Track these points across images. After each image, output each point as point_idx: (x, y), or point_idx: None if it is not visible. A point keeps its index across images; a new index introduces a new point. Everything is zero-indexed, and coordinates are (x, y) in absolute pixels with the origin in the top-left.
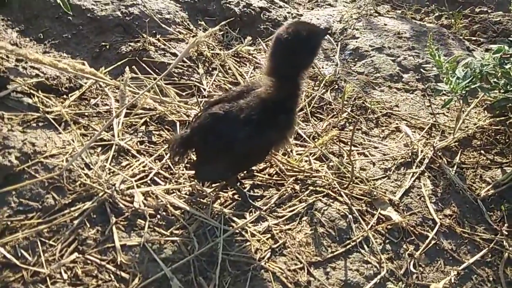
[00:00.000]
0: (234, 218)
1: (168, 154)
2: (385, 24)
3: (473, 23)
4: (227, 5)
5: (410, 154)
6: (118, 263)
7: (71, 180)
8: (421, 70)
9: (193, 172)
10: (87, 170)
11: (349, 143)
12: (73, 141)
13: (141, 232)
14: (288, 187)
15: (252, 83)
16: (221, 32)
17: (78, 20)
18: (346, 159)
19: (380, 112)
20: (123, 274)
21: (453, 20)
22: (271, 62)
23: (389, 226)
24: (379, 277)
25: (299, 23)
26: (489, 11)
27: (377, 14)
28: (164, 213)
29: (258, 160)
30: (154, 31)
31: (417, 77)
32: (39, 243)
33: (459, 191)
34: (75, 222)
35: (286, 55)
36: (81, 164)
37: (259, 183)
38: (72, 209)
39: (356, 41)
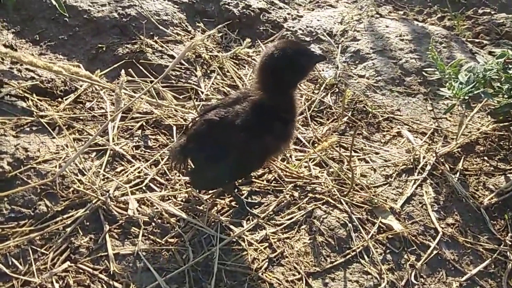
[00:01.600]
0: (231, 226)
1: (169, 163)
2: (387, 26)
3: (476, 24)
4: (226, 6)
5: (412, 160)
6: (111, 272)
7: (64, 186)
8: (423, 73)
9: (188, 179)
10: (80, 176)
11: (349, 148)
12: (66, 146)
13: (135, 240)
14: (287, 194)
15: (249, 89)
16: (220, 34)
17: (75, 22)
18: (346, 165)
19: (382, 116)
20: (116, 284)
21: (455, 22)
22: (258, 78)
23: (390, 236)
24: None
25: (290, 43)
26: (493, 12)
27: (378, 16)
28: (159, 221)
29: (255, 167)
30: (152, 33)
31: (419, 80)
32: (30, 251)
33: (462, 199)
34: (68, 229)
35: (271, 75)
36: (75, 170)
37: (257, 189)
38: (65, 216)
39: (357, 43)
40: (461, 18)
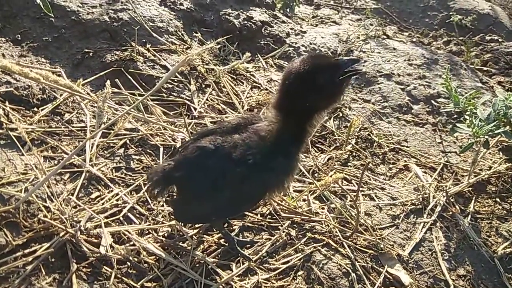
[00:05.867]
0: (218, 270)
1: (147, 187)
2: (394, 49)
3: (484, 52)
4: (226, 16)
5: (420, 199)
6: None
7: (29, 214)
8: (432, 101)
9: (172, 208)
10: (49, 203)
11: (353, 181)
12: (36, 166)
13: (106, 283)
14: (283, 232)
15: (252, 115)
16: (218, 46)
17: (61, 23)
18: (350, 201)
19: (387, 146)
20: None
21: (463, 47)
22: (279, 96)
23: None
24: None
25: (319, 56)
26: (500, 40)
27: (385, 37)
28: (135, 260)
29: (249, 206)
30: (144, 40)
31: (427, 109)
32: None
33: (474, 246)
34: (28, 267)
35: (295, 93)
36: (43, 194)
37: (250, 224)
38: (26, 251)
39: (363, 65)
40: (471, 45)
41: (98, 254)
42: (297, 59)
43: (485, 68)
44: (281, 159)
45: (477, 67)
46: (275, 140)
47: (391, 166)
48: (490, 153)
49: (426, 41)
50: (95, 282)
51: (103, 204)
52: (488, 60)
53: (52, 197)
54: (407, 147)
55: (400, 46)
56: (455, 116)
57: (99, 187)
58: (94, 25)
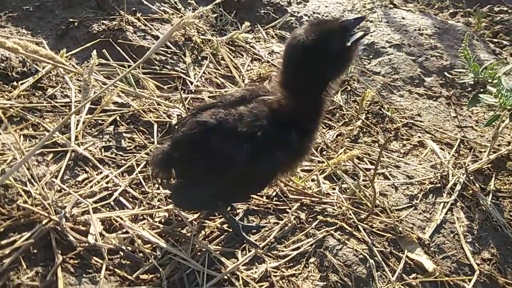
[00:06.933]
0: (222, 259)
1: (150, 172)
2: (403, 18)
3: (494, 23)
4: None
5: (439, 177)
6: None
7: (6, 200)
8: (445, 73)
9: (170, 193)
10: (29, 187)
11: (365, 159)
12: (13, 146)
13: (96, 276)
14: (292, 215)
15: (258, 87)
16: (215, 15)
17: None
18: (363, 180)
19: (400, 121)
20: None
21: (470, 19)
22: (286, 71)
23: (419, 277)
24: None
25: (324, 22)
26: (510, 11)
27: (392, 6)
28: (129, 250)
29: (259, 188)
30: (134, 8)
31: (440, 81)
32: None
33: (497, 227)
34: (7, 260)
35: (302, 66)
36: (23, 177)
37: (255, 208)
38: (4, 242)
39: (371, 35)
40: (482, 15)
41: (87, 244)
42: (299, 29)
43: (495, 40)
44: (296, 135)
45: (487, 38)
46: (289, 112)
47: (404, 142)
48: (507, 127)
49: (432, 12)
50: (84, 275)
51: (91, 187)
52: (499, 31)
53: (33, 180)
54: (420, 121)
55: (408, 16)
56: (469, 89)
57: (87, 169)
58: None
